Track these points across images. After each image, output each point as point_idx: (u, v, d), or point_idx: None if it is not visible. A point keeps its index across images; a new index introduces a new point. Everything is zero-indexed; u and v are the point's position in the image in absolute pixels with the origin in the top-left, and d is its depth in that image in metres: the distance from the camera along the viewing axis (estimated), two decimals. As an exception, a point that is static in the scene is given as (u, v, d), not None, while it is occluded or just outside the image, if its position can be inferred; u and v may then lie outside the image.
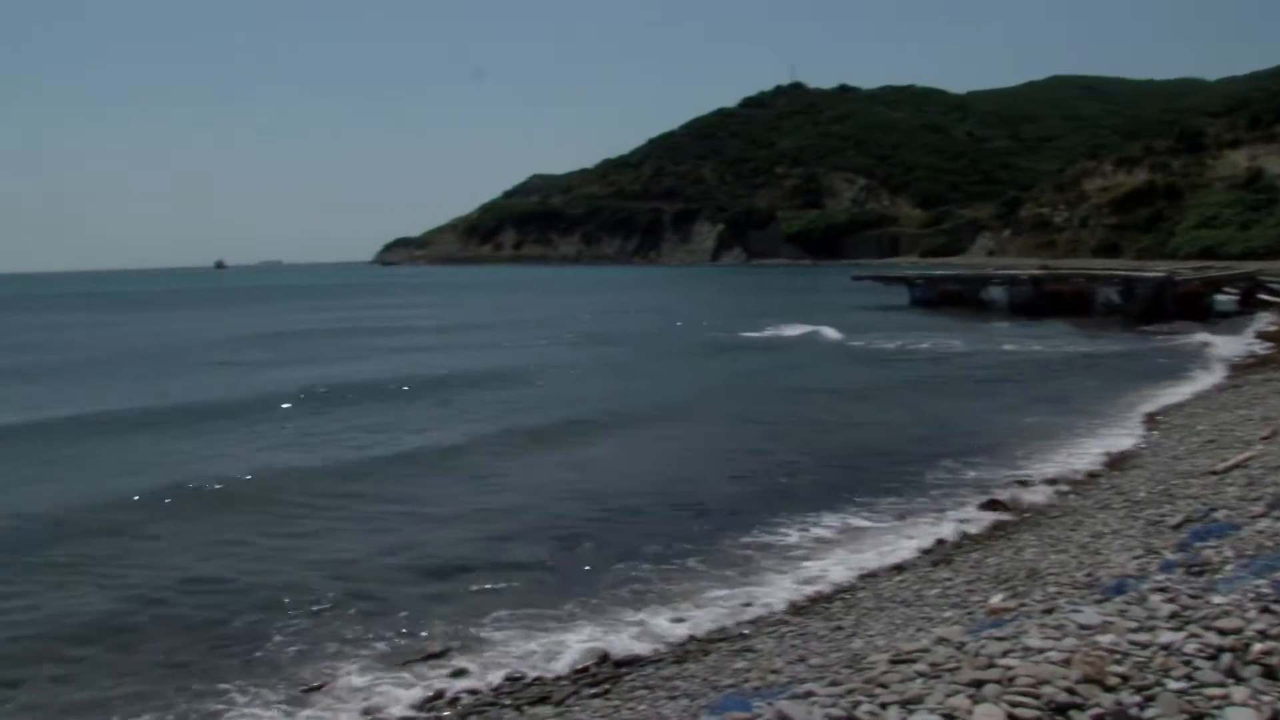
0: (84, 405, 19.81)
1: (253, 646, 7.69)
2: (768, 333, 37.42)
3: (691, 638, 7.56)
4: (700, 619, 7.97)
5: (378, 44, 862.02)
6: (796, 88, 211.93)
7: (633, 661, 7.06)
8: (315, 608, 8.57)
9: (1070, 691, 3.30)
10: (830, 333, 36.33)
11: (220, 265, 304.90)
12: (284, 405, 20.38)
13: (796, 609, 8.19)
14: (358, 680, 7.00)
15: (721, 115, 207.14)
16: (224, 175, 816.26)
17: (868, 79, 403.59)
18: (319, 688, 6.83)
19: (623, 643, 7.50)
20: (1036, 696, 3.28)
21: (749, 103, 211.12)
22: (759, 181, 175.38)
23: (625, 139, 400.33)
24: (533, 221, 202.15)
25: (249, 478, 13.61)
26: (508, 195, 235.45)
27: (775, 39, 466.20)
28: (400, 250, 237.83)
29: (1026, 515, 10.87)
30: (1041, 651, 3.63)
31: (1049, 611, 4.62)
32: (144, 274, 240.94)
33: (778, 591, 8.72)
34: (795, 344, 33.90)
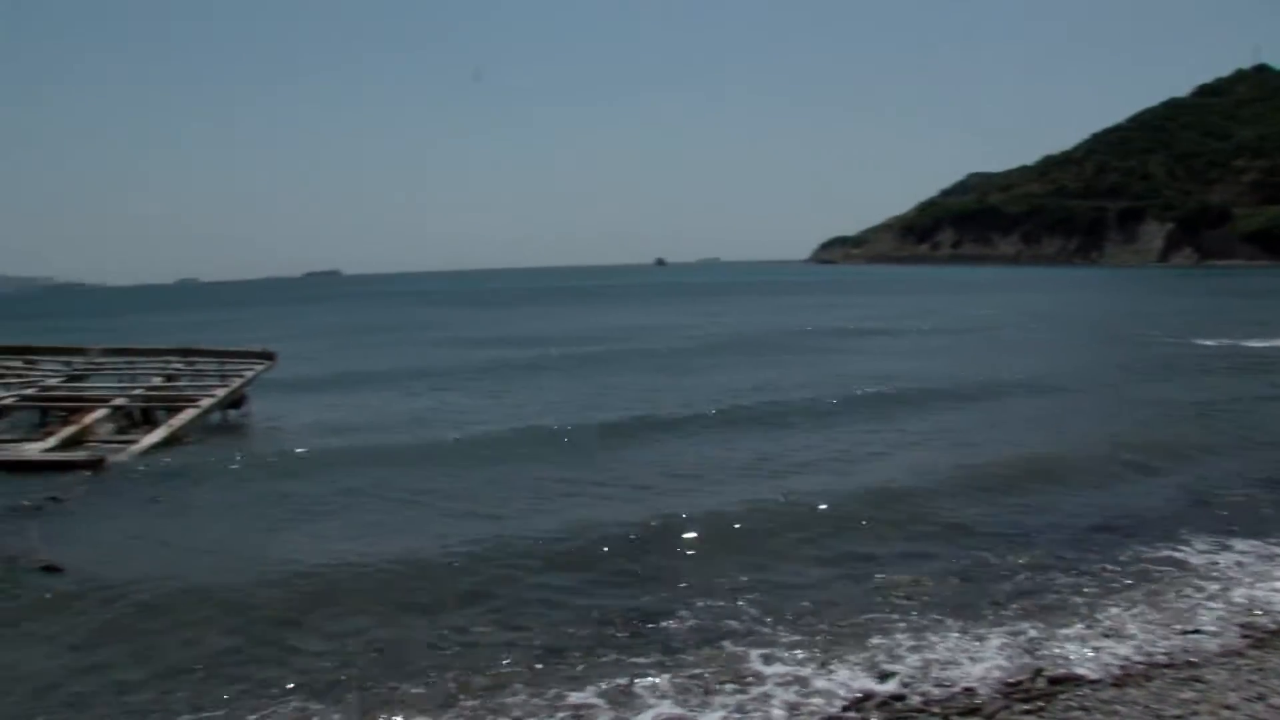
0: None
1: (660, 624, 7.67)
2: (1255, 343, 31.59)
3: (1130, 659, 6.92)
4: (1138, 639, 7.26)
5: (804, 42, 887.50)
6: (1261, 71, 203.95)
7: (1068, 680, 6.52)
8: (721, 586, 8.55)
9: None
10: None
11: (660, 262, 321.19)
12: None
13: (1255, 641, 7.23)
14: (765, 668, 6.80)
15: (1172, 106, 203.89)
16: (661, 175, 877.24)
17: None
18: (735, 681, 6.62)
19: (1054, 657, 6.94)
20: None
21: (1204, 90, 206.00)
22: (1213, 176, 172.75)
23: (1066, 134, 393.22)
24: (971, 220, 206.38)
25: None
26: (945, 194, 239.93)
27: (1236, 18, 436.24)
28: (836, 249, 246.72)
29: None
30: None
31: None
32: (591, 270, 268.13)
33: (1214, 618, 7.77)
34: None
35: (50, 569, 8.99)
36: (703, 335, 37.10)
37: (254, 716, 6.19)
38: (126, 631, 7.60)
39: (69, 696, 6.50)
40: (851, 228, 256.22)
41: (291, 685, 6.62)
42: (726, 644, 7.30)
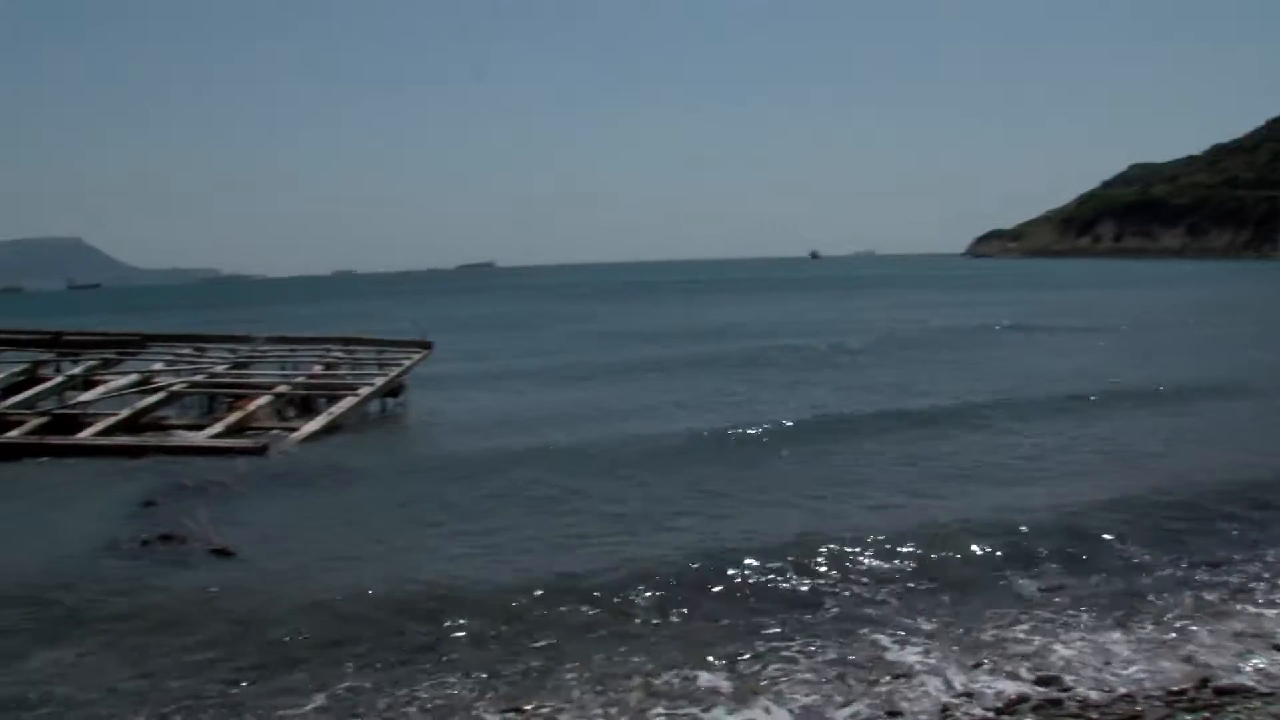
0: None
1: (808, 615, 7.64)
2: None
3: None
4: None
5: (956, 33, 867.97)
6: None
7: (1236, 690, 6.19)
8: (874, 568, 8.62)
9: None
10: None
11: (815, 255, 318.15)
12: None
13: None
14: (914, 663, 6.70)
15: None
16: (813, 167, 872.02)
17: None
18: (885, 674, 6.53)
19: (1222, 666, 6.57)
20: None
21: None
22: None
23: (1239, 122, 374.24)
24: (1133, 213, 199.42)
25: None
26: (1106, 185, 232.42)
27: None
28: (993, 242, 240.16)
29: None
30: None
31: None
32: (745, 263, 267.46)
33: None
34: None
35: (221, 552, 9.32)
36: (873, 330, 35.30)
37: (412, 708, 6.19)
38: (294, 615, 7.73)
39: (252, 674, 6.70)
40: (1008, 220, 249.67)
41: (433, 681, 6.62)
42: (873, 635, 7.25)
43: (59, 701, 6.34)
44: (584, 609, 7.79)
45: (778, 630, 7.37)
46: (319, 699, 6.34)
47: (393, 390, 19.00)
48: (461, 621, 7.56)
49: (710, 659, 6.79)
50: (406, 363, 19.82)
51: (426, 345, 20.99)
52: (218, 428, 15.45)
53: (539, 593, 8.11)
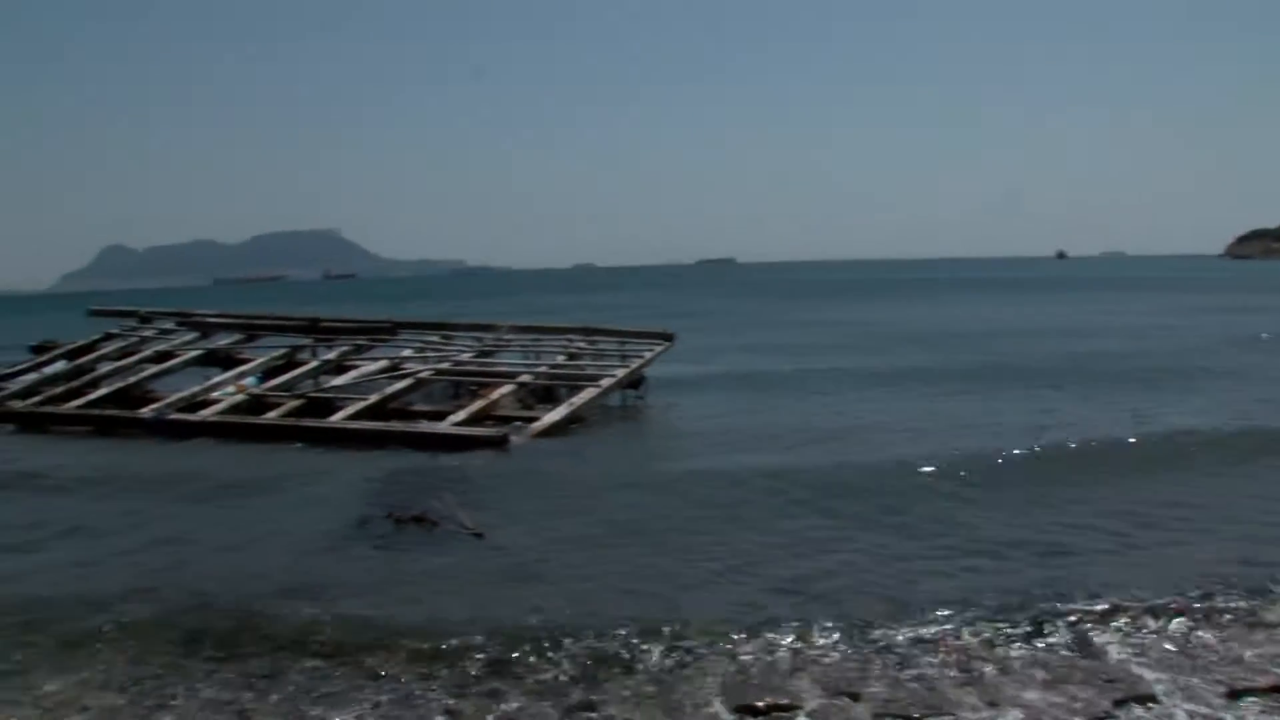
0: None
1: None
2: None
3: None
4: None
5: (1209, 30, 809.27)
6: None
7: None
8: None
9: None
10: None
11: (1061, 255, 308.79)
12: None
13: None
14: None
15: None
16: (1056, 163, 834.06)
17: None
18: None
19: None
20: None
21: None
22: None
23: None
24: None
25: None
26: None
27: None
28: (1255, 243, 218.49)
29: None
30: None
31: None
32: (987, 262, 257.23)
33: None
34: None
35: (472, 534, 9.71)
36: (1166, 339, 31.05)
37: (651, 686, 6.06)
38: (543, 597, 7.88)
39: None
40: (1275, 219, 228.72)
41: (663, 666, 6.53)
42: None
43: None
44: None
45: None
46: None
47: (633, 381, 19.08)
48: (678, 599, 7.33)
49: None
50: (648, 354, 19.85)
51: (668, 337, 20.97)
52: (461, 415, 15.89)
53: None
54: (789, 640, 6.93)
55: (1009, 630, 7.01)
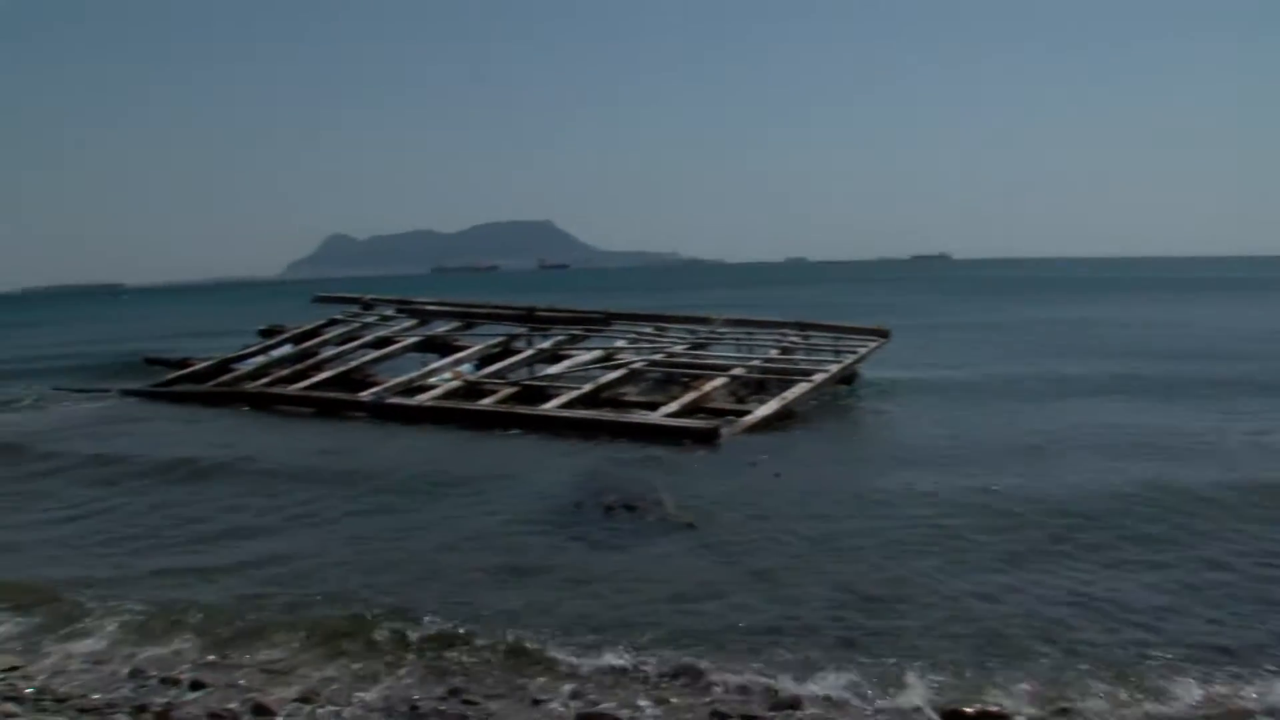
0: None
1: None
2: None
3: None
4: None
5: None
6: None
7: None
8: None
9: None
10: None
11: None
12: None
13: None
14: None
15: None
16: None
17: None
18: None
19: None
20: None
21: None
22: None
23: None
24: None
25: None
26: None
27: None
28: None
29: None
30: None
31: None
32: (1221, 261, 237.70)
33: None
34: None
35: (682, 524, 9.76)
36: None
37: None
38: (744, 588, 7.90)
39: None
40: None
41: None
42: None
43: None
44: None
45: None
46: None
47: (846, 378, 18.74)
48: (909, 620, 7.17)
49: None
50: (862, 350, 19.45)
51: (883, 333, 20.49)
52: (673, 406, 15.92)
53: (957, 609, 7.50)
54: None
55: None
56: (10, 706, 5.79)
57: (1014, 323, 37.98)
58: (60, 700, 6.10)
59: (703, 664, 6.48)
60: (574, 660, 6.62)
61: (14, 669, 6.71)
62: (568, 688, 6.27)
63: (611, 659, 6.61)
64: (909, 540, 9.20)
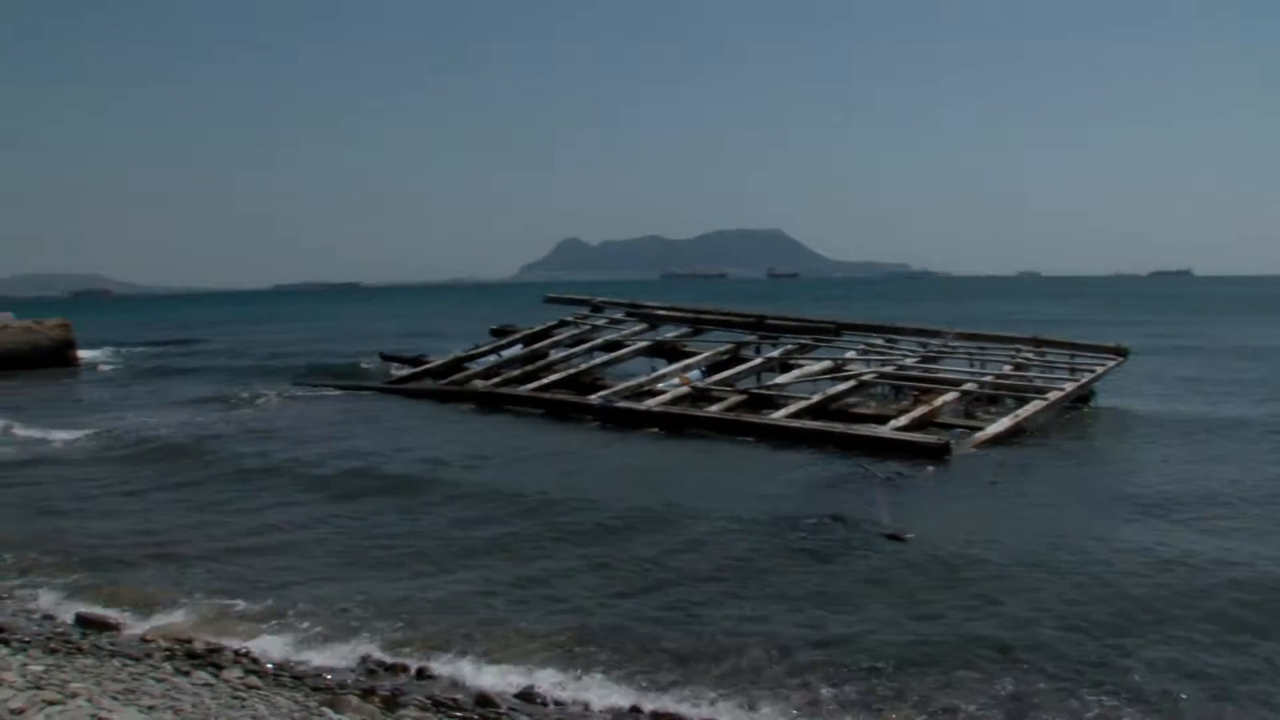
0: None
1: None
2: None
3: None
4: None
5: None
6: None
7: None
8: None
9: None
10: None
11: None
12: None
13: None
14: None
15: None
16: None
17: None
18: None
19: None
20: None
21: None
22: None
23: None
24: None
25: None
26: None
27: None
28: None
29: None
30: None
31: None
32: None
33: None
34: None
35: (895, 537, 9.60)
36: None
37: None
38: (962, 608, 7.69)
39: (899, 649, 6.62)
40: None
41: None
42: None
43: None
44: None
45: None
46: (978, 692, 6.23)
47: (1082, 397, 18.02)
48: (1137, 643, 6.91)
49: None
50: (1099, 369, 18.68)
51: (1122, 352, 19.62)
52: (902, 420, 15.69)
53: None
54: None
55: None
56: (254, 680, 6.21)
57: (1269, 348, 33.60)
58: (297, 678, 6.49)
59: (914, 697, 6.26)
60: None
61: (247, 653, 7.15)
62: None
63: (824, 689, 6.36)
64: (1137, 593, 8.03)
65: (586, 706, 6.33)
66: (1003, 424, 15.46)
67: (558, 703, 6.38)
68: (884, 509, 10.56)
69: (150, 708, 4.57)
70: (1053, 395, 16.86)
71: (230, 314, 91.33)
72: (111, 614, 7.94)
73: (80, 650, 6.59)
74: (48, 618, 7.92)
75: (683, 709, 6.20)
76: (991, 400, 17.72)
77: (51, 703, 4.24)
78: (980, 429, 15.35)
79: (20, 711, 4.02)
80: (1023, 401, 16.68)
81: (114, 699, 4.74)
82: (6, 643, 6.71)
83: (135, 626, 7.66)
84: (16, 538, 10.43)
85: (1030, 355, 20.30)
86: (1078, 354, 20.20)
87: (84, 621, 7.69)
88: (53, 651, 6.47)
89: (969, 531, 9.98)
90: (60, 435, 17.73)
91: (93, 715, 4.05)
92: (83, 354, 34.31)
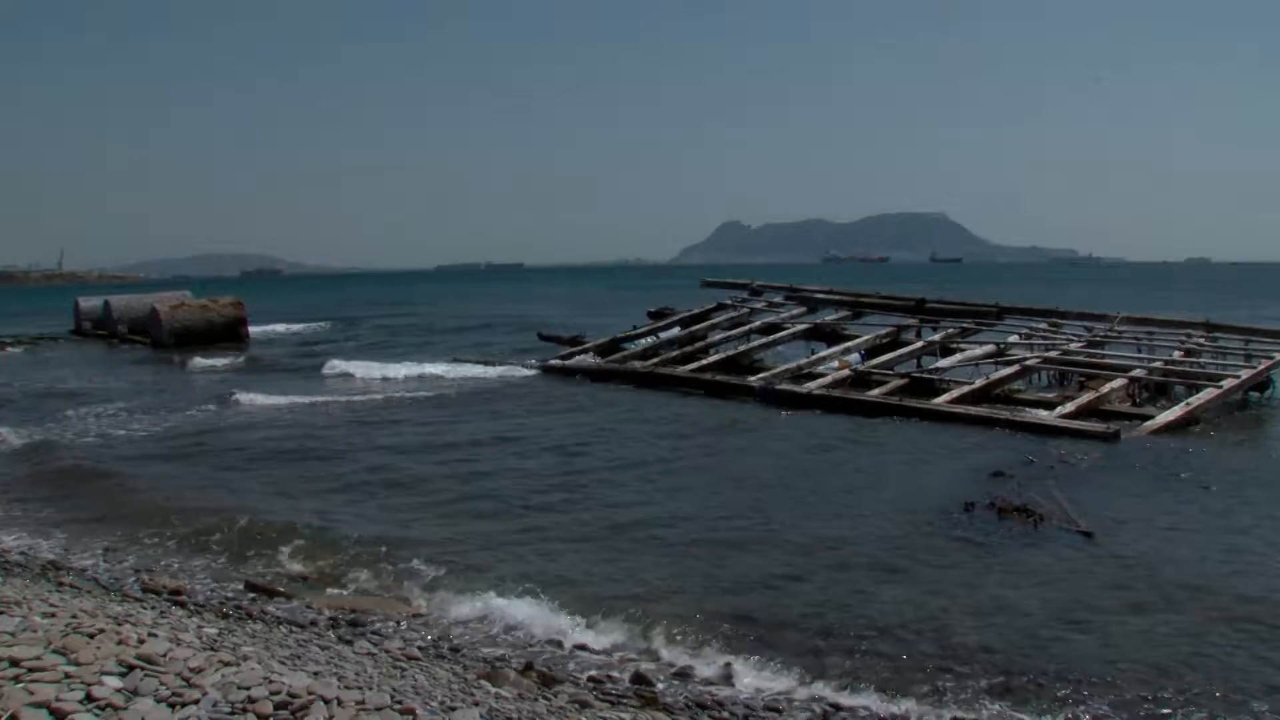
0: None
1: None
2: None
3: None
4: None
5: None
6: None
7: None
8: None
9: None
10: None
11: None
12: None
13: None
14: None
15: None
16: None
17: None
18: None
19: None
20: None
21: None
22: None
23: None
24: None
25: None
26: None
27: None
28: None
29: None
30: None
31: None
32: None
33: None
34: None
35: (1081, 533, 9.00)
36: None
37: None
38: (1157, 617, 7.05)
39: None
40: None
41: None
42: None
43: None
44: None
45: None
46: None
47: (1259, 384, 16.83)
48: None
49: None
50: (1277, 355, 17.39)
51: (1305, 337, 18.28)
52: (1068, 407, 14.94)
53: None
54: None
55: None
56: (414, 650, 6.19)
57: None
58: (455, 649, 6.43)
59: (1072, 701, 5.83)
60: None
61: (418, 615, 7.19)
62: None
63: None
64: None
65: (729, 680, 6.14)
66: (1174, 412, 14.54)
67: (707, 681, 6.16)
68: (1062, 501, 9.93)
69: (316, 674, 4.59)
70: (1227, 383, 15.78)
71: (390, 294, 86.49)
72: (282, 580, 8.10)
73: (250, 616, 6.71)
74: (219, 583, 8.03)
75: (857, 701, 5.89)
76: (1160, 388, 16.73)
77: (226, 664, 4.31)
78: (1150, 417, 14.48)
79: (199, 670, 4.11)
80: (1194, 389, 15.66)
81: (282, 663, 4.81)
82: (184, 605, 6.86)
83: (303, 596, 7.72)
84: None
85: (1202, 340, 19.10)
86: (1253, 339, 18.95)
87: (252, 588, 7.83)
88: (225, 616, 6.58)
89: (1152, 527, 9.31)
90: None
91: (265, 677, 4.10)
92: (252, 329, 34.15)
